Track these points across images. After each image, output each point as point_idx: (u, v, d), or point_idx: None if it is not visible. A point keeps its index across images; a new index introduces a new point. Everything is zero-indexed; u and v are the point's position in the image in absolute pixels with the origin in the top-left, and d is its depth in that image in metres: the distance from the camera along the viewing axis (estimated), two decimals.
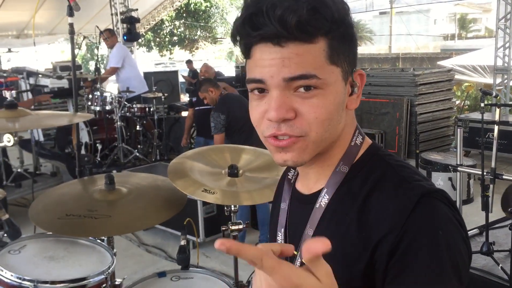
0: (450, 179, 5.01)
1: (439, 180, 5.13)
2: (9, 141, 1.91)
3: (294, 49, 0.82)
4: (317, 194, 0.96)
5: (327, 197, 0.94)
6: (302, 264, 0.96)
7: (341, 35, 0.86)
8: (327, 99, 0.85)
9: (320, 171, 0.97)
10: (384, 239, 0.83)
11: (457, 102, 8.52)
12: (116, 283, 2.10)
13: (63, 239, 2.01)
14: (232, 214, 2.14)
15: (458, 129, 3.65)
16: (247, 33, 0.84)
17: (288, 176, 1.07)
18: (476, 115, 6.96)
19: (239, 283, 2.21)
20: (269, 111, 0.84)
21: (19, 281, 1.70)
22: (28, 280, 1.70)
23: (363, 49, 17.55)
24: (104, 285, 1.84)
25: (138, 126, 6.20)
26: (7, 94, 2.05)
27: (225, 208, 2.11)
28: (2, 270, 1.73)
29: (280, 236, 1.05)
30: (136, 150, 5.99)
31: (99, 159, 5.82)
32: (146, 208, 2.03)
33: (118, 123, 5.87)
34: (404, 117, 7.06)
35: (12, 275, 1.71)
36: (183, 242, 2.03)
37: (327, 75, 0.84)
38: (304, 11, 0.81)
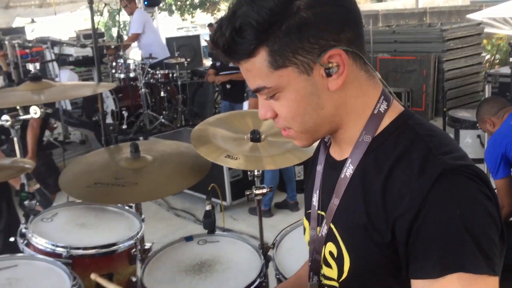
0: (478, 136, 4.91)
1: (467, 138, 5.03)
2: (35, 113, 1.95)
3: (244, 66, 0.91)
4: (344, 162, 0.97)
5: (352, 167, 0.95)
6: (329, 229, 0.99)
7: (282, 35, 0.85)
8: (288, 99, 0.91)
9: (345, 141, 0.98)
10: (403, 215, 0.83)
11: (487, 56, 8.24)
12: (146, 247, 2.18)
13: (93, 207, 2.08)
14: (255, 179, 2.17)
15: (487, 85, 3.54)
16: None
17: (325, 139, 1.09)
18: (506, 70, 6.74)
19: (265, 245, 2.26)
20: None
21: (53, 247, 1.78)
22: (62, 247, 1.78)
23: (387, 5, 16.99)
24: (133, 250, 1.91)
25: (162, 93, 6.24)
26: (30, 66, 2.09)
27: (249, 173, 2.13)
28: (36, 238, 1.81)
29: (315, 198, 1.08)
30: (161, 116, 6.04)
31: (125, 126, 5.91)
32: (171, 174, 2.07)
33: (143, 90, 5.91)
34: (431, 75, 6.90)
35: (46, 242, 1.79)
36: (208, 207, 2.07)
37: (276, 81, 0.89)
38: (226, 36, 0.87)
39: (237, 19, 0.85)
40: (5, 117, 2.02)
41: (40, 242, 1.80)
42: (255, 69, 0.89)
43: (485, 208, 0.82)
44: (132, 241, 1.89)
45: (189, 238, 2.07)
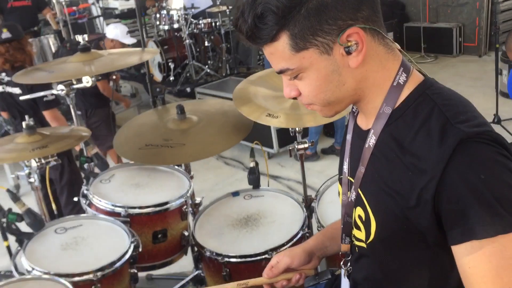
0: None
1: None
2: (88, 82, 2.08)
3: (267, 50, 0.95)
4: (368, 132, 1.03)
5: (374, 138, 1.01)
6: (357, 194, 1.06)
7: (301, 18, 0.89)
8: (311, 78, 0.96)
9: (369, 111, 1.03)
10: (427, 185, 0.89)
11: None
12: (196, 202, 2.34)
13: (145, 167, 2.23)
14: (297, 134, 2.23)
15: None
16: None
17: (353, 109, 1.14)
18: None
19: (308, 197, 2.36)
20: None
21: (113, 207, 1.95)
22: (120, 207, 1.95)
23: None
24: (184, 207, 2.06)
25: (206, 42, 6.27)
26: (79, 38, 2.20)
27: (290, 129, 2.20)
28: (97, 199, 1.99)
29: (345, 165, 1.15)
30: (206, 66, 6.12)
31: (172, 78, 6.04)
32: (216, 134, 2.17)
33: (187, 41, 5.97)
34: (484, 7, 6.54)
35: (106, 203, 1.96)
36: (252, 164, 2.17)
37: (298, 62, 0.94)
38: (249, 22, 0.91)
39: (258, 5, 0.89)
40: (60, 86, 2.16)
41: (101, 203, 1.98)
42: (278, 52, 0.94)
43: (507, 167, 0.87)
44: (182, 199, 2.04)
45: (235, 194, 2.19)
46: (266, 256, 1.79)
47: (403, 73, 0.98)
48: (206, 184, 4.52)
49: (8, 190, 1.68)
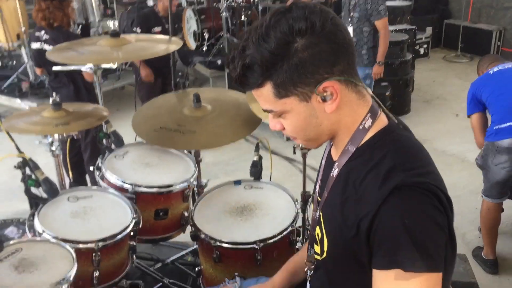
0: None
1: None
2: (114, 65, 2.24)
3: (255, 93, 1.10)
4: (334, 163, 1.18)
5: (337, 169, 1.17)
6: (319, 215, 1.22)
7: (283, 72, 1.03)
8: (292, 120, 1.11)
9: (339, 146, 1.18)
10: (363, 219, 1.05)
11: None
12: (202, 183, 2.52)
13: (157, 148, 2.40)
14: None
15: None
16: None
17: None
18: None
19: (306, 193, 2.50)
20: None
21: (122, 183, 2.15)
22: (128, 184, 2.14)
23: None
24: (187, 190, 2.23)
25: (243, 17, 6.35)
26: (110, 24, 2.35)
27: None
28: (109, 173, 2.19)
29: (317, 186, 1.32)
30: None
31: (205, 48, 6.18)
32: (226, 126, 2.32)
33: (224, 13, 6.06)
34: None
35: (117, 178, 2.16)
36: (255, 158, 2.32)
37: (281, 107, 1.09)
38: (238, 70, 1.05)
39: (247, 57, 1.04)
40: (89, 64, 2.34)
41: (112, 177, 2.17)
42: (263, 96, 1.10)
43: (431, 217, 1.01)
44: (186, 184, 2.22)
45: (237, 182, 2.35)
46: (254, 246, 1.94)
47: (369, 118, 1.12)
48: (223, 157, 4.71)
49: (30, 159, 1.89)
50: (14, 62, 5.98)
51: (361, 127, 1.13)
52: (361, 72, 4.53)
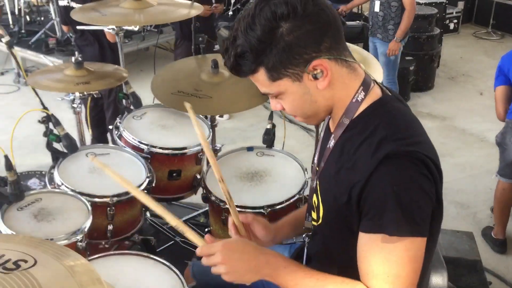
0: None
1: None
2: (136, 27, 2.29)
3: (251, 78, 1.17)
4: (331, 135, 1.25)
5: (333, 141, 1.23)
6: (316, 184, 1.28)
7: (272, 56, 1.09)
8: (289, 99, 1.18)
9: (335, 119, 1.24)
10: (355, 186, 1.11)
11: None
12: (216, 148, 2.59)
13: (173, 110, 2.47)
14: None
15: None
16: None
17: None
18: None
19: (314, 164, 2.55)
20: None
21: (138, 143, 2.23)
22: (144, 144, 2.23)
23: None
24: (200, 154, 2.31)
25: None
26: None
27: None
28: (127, 133, 2.28)
29: (316, 156, 1.38)
30: None
31: (231, 13, 6.15)
32: (241, 93, 2.37)
33: None
34: None
35: (133, 138, 2.24)
36: (269, 126, 2.37)
37: (276, 88, 1.15)
38: (232, 60, 1.12)
39: (238, 46, 1.11)
40: (111, 26, 2.39)
41: (128, 137, 2.26)
42: (259, 81, 1.17)
43: (418, 185, 1.07)
44: (199, 147, 2.29)
45: (250, 149, 2.41)
46: (262, 210, 2.02)
47: (362, 91, 1.18)
48: (242, 123, 4.77)
49: (52, 115, 1.98)
50: (42, 18, 6.06)
51: (354, 100, 1.18)
52: (385, 48, 4.48)
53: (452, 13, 7.13)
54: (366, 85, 1.19)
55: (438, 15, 5.62)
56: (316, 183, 1.30)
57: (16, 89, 5.63)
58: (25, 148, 3.96)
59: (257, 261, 1.17)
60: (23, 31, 5.87)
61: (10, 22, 5.94)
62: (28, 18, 6.23)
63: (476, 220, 3.51)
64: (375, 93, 1.20)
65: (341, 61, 1.15)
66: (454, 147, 4.44)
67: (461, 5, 7.28)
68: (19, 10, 6.04)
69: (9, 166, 1.64)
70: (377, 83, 1.23)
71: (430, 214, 1.10)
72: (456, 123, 4.90)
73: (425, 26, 5.41)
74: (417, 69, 5.34)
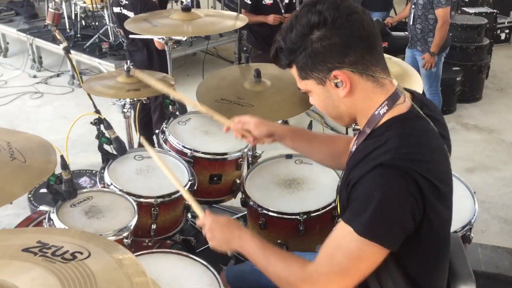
0: None
1: None
2: (184, 37, 2.40)
3: (290, 72, 1.32)
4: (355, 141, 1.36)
5: (355, 146, 1.33)
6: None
7: (302, 58, 1.23)
8: (315, 98, 1.34)
9: (360, 127, 1.33)
10: (351, 182, 1.22)
11: None
12: (256, 154, 2.67)
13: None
14: None
15: None
16: None
17: None
18: None
19: None
20: None
21: (182, 147, 2.35)
22: (188, 148, 2.34)
23: None
24: (240, 160, 2.40)
25: None
26: None
27: None
28: (172, 137, 2.39)
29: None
30: None
31: None
32: (283, 103, 2.44)
33: None
34: None
35: (178, 143, 2.36)
36: None
37: (304, 86, 1.32)
38: (273, 51, 1.31)
39: (280, 41, 1.27)
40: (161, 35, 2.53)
41: (173, 141, 2.38)
42: (294, 76, 1.32)
43: (399, 200, 1.14)
44: (239, 153, 2.38)
45: (289, 156, 2.47)
46: (298, 217, 2.08)
47: (386, 105, 1.26)
48: None
49: (104, 119, 2.12)
50: (97, 23, 6.34)
51: (376, 112, 1.27)
52: None
53: (503, 23, 6.96)
54: (392, 100, 1.26)
55: (488, 25, 5.51)
56: (339, 183, 1.39)
57: (70, 90, 5.93)
58: (77, 147, 4.17)
59: (232, 234, 1.44)
60: (78, 35, 6.16)
61: (67, 26, 6.24)
62: (83, 22, 6.54)
63: None
64: (400, 109, 1.27)
65: (366, 75, 1.24)
66: (500, 161, 4.34)
67: None
68: (75, 15, 6.36)
69: (64, 165, 1.78)
70: (415, 97, 1.32)
71: (403, 230, 1.17)
72: (504, 136, 4.78)
73: (473, 36, 5.32)
74: (465, 80, 5.26)
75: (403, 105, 1.28)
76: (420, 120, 1.27)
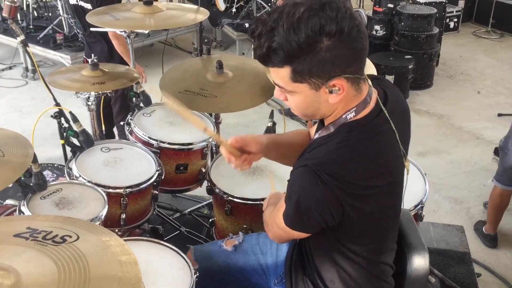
0: None
1: None
2: (146, 30, 2.43)
3: (272, 69, 1.24)
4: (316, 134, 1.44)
5: (316, 135, 1.40)
6: None
7: (305, 63, 1.18)
8: (297, 100, 1.29)
9: (327, 121, 1.39)
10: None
11: None
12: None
13: None
14: None
15: None
16: None
17: None
18: None
19: None
20: None
21: (148, 139, 2.40)
22: (154, 139, 2.39)
23: None
24: (205, 149, 2.47)
25: None
26: None
27: None
28: (137, 129, 2.44)
29: None
30: (269, 5, 6.29)
31: (234, 10, 6.30)
32: (245, 93, 2.52)
33: None
34: None
35: (144, 134, 2.41)
36: (269, 124, 2.53)
37: (291, 87, 1.25)
38: (264, 50, 1.18)
39: (274, 41, 1.17)
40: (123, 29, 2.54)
41: (139, 132, 2.42)
42: (279, 75, 1.26)
43: (316, 203, 1.27)
44: (204, 143, 2.46)
45: None
46: (261, 202, 2.17)
47: (353, 111, 1.32)
48: (244, 119, 4.91)
49: (70, 112, 2.14)
50: (50, 14, 6.19)
51: (344, 116, 1.33)
52: None
53: (452, 12, 7.25)
54: (362, 106, 1.32)
55: (437, 14, 5.74)
56: None
57: (24, 83, 5.79)
58: (35, 141, 4.11)
59: None
60: (31, 26, 6.01)
61: (19, 17, 6.07)
62: (35, 13, 6.36)
63: (469, 215, 3.64)
64: (363, 112, 1.33)
65: (355, 82, 1.27)
66: (450, 145, 4.58)
67: (461, 4, 7.39)
68: (27, 5, 6.18)
69: (34, 158, 1.80)
70: (379, 91, 1.40)
71: (325, 223, 1.31)
72: (453, 121, 5.03)
73: (424, 25, 5.54)
74: (416, 67, 5.47)
75: (368, 108, 1.33)
76: (373, 123, 1.32)
